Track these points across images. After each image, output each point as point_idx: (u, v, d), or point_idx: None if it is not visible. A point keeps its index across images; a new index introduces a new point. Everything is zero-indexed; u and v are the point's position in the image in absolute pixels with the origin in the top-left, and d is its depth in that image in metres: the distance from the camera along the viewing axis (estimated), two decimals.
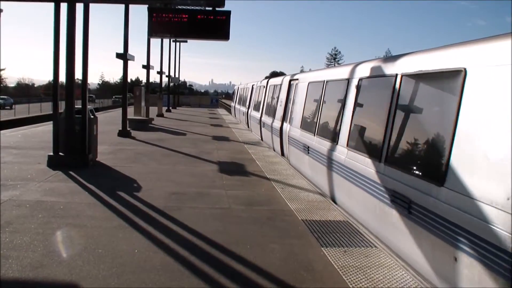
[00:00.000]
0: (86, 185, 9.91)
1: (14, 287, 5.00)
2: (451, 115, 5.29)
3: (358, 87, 8.84)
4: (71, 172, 11.08)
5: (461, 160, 5.04)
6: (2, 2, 10.61)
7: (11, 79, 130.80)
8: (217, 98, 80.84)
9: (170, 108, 45.17)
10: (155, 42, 36.02)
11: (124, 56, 19.62)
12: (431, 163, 5.84)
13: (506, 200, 4.23)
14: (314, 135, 11.15)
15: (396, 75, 7.02)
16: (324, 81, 11.33)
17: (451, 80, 5.56)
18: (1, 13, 9.37)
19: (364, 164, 7.62)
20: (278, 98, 17.66)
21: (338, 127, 9.48)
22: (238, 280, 5.37)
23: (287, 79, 16.88)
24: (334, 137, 9.61)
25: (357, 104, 8.79)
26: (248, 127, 27.37)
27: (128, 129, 20.56)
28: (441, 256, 5.18)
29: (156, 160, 13.94)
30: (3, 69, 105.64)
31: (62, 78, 12.32)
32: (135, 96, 27.92)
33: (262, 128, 20.94)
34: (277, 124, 16.68)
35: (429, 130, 5.99)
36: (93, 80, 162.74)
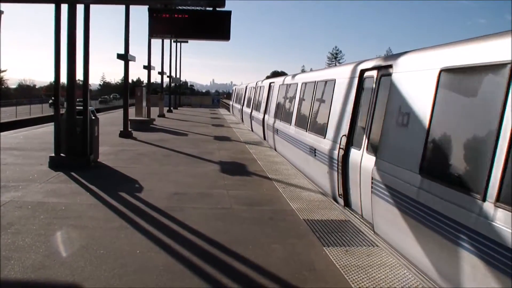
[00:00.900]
0: (88, 186, 9.92)
1: None
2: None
3: (296, 87, 14.72)
4: (72, 173, 11.09)
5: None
6: (2, 4, 10.61)
7: (12, 80, 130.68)
8: (219, 98, 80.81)
9: (172, 108, 45.13)
10: (156, 42, 35.96)
11: (125, 57, 19.63)
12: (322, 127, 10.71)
13: None
14: (280, 121, 16.41)
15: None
16: (287, 84, 16.81)
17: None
18: (2, 15, 9.37)
19: (299, 131, 13.31)
20: (262, 96, 22.92)
21: (292, 114, 14.51)
22: (240, 280, 5.37)
23: (267, 82, 22.17)
24: (290, 121, 14.65)
25: (301, 99, 13.92)
26: (242, 121, 31.62)
27: (130, 129, 20.56)
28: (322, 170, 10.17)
29: (157, 160, 13.94)
30: (4, 71, 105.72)
31: (64, 79, 12.32)
32: (136, 96, 27.95)
33: (252, 121, 25.62)
34: (261, 116, 21.80)
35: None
36: (94, 81, 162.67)
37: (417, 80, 6.40)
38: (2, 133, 18.47)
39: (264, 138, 20.54)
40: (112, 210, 8.15)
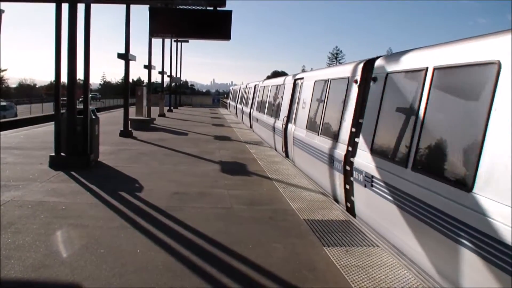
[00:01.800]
0: (88, 186, 9.92)
1: (17, 287, 5.00)
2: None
3: (270, 89, 20.40)
4: (73, 173, 11.09)
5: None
6: (3, 3, 10.61)
7: (13, 79, 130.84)
8: (219, 97, 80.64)
9: (172, 108, 45.20)
10: (157, 42, 35.96)
11: (125, 57, 19.64)
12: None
13: None
14: (264, 114, 21.08)
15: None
16: (266, 85, 22.43)
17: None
18: (3, 14, 9.36)
19: (266, 119, 20.07)
20: (249, 95, 29.08)
21: (268, 108, 20.52)
22: (240, 280, 5.37)
23: (253, 84, 28.61)
24: (264, 111, 21.24)
25: (274, 96, 19.40)
26: (237, 116, 37.52)
27: (130, 129, 20.56)
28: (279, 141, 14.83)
29: (158, 160, 13.94)
30: (5, 70, 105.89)
31: (64, 78, 12.32)
32: (137, 96, 27.96)
33: (242, 115, 32.37)
34: (248, 110, 28.06)
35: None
36: (95, 80, 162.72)
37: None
38: (2, 132, 18.48)
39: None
40: (112, 210, 8.15)
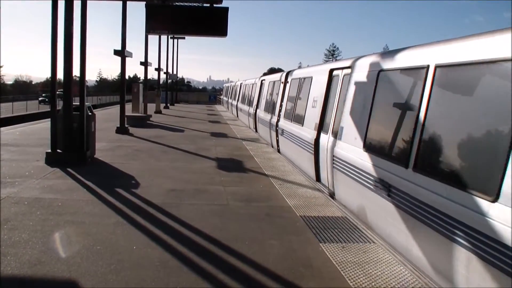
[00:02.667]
0: (84, 182, 9.91)
1: (13, 284, 5.00)
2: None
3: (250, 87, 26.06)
4: (69, 169, 11.07)
5: None
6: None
7: (9, 76, 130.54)
8: (215, 94, 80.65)
9: (168, 104, 45.20)
10: (153, 39, 35.98)
11: (122, 53, 19.60)
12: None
13: None
14: (250, 107, 25.17)
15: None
16: (247, 84, 27.83)
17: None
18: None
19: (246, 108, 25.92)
20: (236, 91, 36.25)
21: (249, 101, 25.41)
22: (237, 276, 5.38)
23: (239, 82, 35.41)
24: (250, 103, 24.93)
25: (258, 94, 22.22)
26: (228, 109, 44.21)
27: (126, 126, 20.53)
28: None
29: (154, 157, 13.93)
30: (1, 67, 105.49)
31: (60, 75, 12.29)
32: (133, 92, 27.91)
33: (232, 107, 38.86)
34: (235, 103, 35.81)
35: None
36: (91, 77, 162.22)
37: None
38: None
39: (237, 116, 22.40)
40: (109, 206, 8.15)
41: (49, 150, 12.11)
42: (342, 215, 8.05)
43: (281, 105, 16.32)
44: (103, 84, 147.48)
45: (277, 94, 17.50)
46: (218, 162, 13.30)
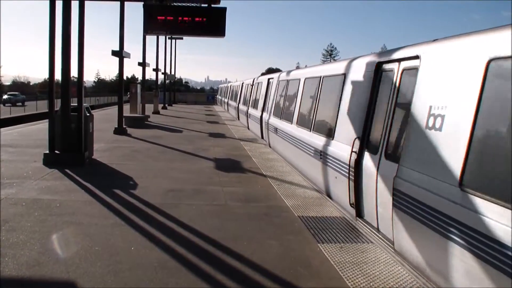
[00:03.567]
0: (82, 183, 9.90)
1: (11, 285, 5.00)
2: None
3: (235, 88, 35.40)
4: (67, 170, 11.06)
5: None
6: None
7: (7, 77, 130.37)
8: (213, 95, 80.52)
9: (166, 105, 45.15)
10: (151, 39, 35.89)
11: (119, 54, 19.58)
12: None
13: None
14: (239, 104, 29.83)
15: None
16: (235, 85, 35.42)
17: None
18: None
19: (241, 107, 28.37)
20: (231, 92, 40.75)
21: (241, 100, 29.47)
22: (235, 276, 5.38)
23: (229, 84, 44.33)
24: (243, 103, 27.75)
25: (244, 93, 28.43)
26: (222, 107, 49.61)
27: (124, 126, 20.51)
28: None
29: (152, 157, 13.92)
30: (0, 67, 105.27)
31: (58, 76, 12.28)
32: (131, 93, 27.90)
33: (226, 106, 43.33)
34: (226, 100, 42.84)
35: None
36: (89, 77, 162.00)
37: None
38: None
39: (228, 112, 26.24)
40: (107, 207, 8.14)
41: (47, 151, 12.10)
42: (340, 215, 8.06)
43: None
44: (101, 85, 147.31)
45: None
46: (216, 163, 13.30)
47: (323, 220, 7.76)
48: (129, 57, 20.39)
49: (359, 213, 7.77)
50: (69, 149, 12.04)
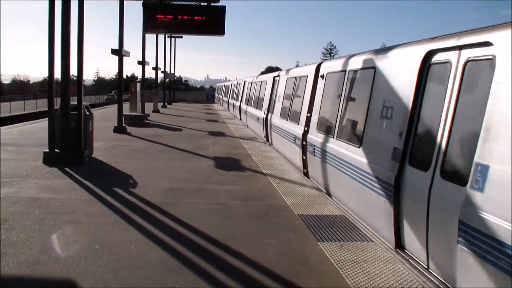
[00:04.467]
0: (82, 182, 9.89)
1: (11, 284, 4.99)
2: None
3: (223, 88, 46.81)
4: (67, 169, 11.05)
5: None
6: None
7: (6, 76, 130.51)
8: (213, 93, 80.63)
9: (166, 103, 45.12)
10: (150, 38, 35.85)
11: (119, 52, 19.57)
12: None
13: None
14: (232, 100, 37.10)
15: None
16: (228, 84, 43.89)
17: None
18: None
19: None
20: (228, 90, 45.08)
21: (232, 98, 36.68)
22: (235, 275, 5.38)
23: (229, 83, 46.91)
24: (236, 99, 33.37)
25: (232, 91, 37.53)
26: (221, 105, 52.09)
27: (124, 125, 20.51)
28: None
29: (152, 156, 13.92)
30: None
31: (58, 74, 12.26)
32: (131, 92, 27.88)
33: (226, 104, 44.08)
34: (226, 99, 44.35)
35: None
36: (89, 76, 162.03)
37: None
38: None
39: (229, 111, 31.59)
40: (107, 206, 8.14)
41: (47, 150, 12.09)
42: (340, 214, 8.05)
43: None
44: (100, 84, 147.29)
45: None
46: (216, 161, 13.29)
47: (323, 218, 7.75)
48: (128, 56, 20.38)
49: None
50: (68, 148, 12.03)
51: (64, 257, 5.71)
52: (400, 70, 6.95)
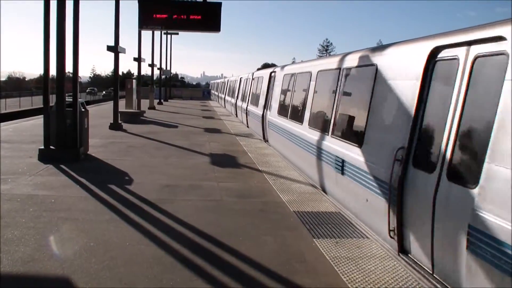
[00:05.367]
0: (78, 179, 9.87)
1: (6, 281, 4.97)
2: None
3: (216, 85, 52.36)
4: (62, 166, 11.02)
5: None
6: None
7: (2, 73, 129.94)
8: (209, 90, 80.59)
9: (162, 100, 45.09)
10: (147, 34, 35.86)
11: (115, 49, 19.53)
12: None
13: None
14: (228, 97, 37.44)
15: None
16: (224, 81, 46.36)
17: None
18: None
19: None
20: (222, 87, 46.50)
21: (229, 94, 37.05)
22: (231, 272, 5.37)
23: (225, 79, 46.96)
24: (232, 96, 33.34)
25: (229, 88, 38.61)
26: (217, 101, 52.19)
27: (120, 122, 20.48)
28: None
29: (148, 153, 13.90)
30: None
31: (53, 71, 12.21)
32: (126, 89, 27.80)
33: (223, 101, 43.29)
34: (223, 96, 43.77)
35: None
36: (85, 73, 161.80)
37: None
38: None
39: (224, 107, 35.04)
40: (102, 203, 8.12)
41: (42, 147, 12.06)
42: (335, 211, 8.05)
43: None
44: (96, 80, 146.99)
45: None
46: (212, 158, 13.28)
47: (319, 215, 7.75)
48: (124, 53, 20.35)
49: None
50: (64, 145, 12.00)
51: (59, 255, 5.70)
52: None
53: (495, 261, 4.08)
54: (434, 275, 5.35)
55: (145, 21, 12.50)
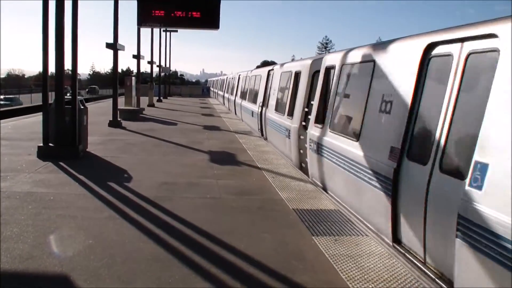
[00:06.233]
0: (76, 176, 9.85)
1: (4, 279, 4.97)
2: None
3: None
4: (61, 163, 11.01)
5: None
6: None
7: (1, 70, 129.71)
8: (208, 87, 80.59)
9: (161, 98, 45.05)
10: (146, 32, 35.86)
11: (114, 46, 19.47)
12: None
13: None
14: (227, 94, 37.51)
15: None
16: (223, 78, 47.11)
17: None
18: None
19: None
20: (221, 84, 48.25)
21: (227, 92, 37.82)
22: (229, 269, 5.37)
23: (224, 77, 47.81)
24: (231, 93, 33.68)
25: (224, 85, 41.99)
26: (216, 99, 52.95)
27: (119, 119, 20.44)
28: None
29: (146, 150, 13.89)
30: None
31: (52, 68, 12.19)
32: (126, 86, 27.77)
33: (222, 98, 44.44)
34: (221, 93, 45.58)
35: None
36: (84, 70, 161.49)
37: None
38: None
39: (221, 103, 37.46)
40: (101, 200, 8.11)
41: (41, 144, 12.04)
42: (335, 208, 8.05)
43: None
44: (95, 78, 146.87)
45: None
46: (211, 155, 13.27)
47: (318, 213, 7.75)
48: (123, 50, 20.30)
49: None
50: (63, 142, 11.98)
51: (58, 252, 5.69)
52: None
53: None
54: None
55: (144, 19, 12.50)
